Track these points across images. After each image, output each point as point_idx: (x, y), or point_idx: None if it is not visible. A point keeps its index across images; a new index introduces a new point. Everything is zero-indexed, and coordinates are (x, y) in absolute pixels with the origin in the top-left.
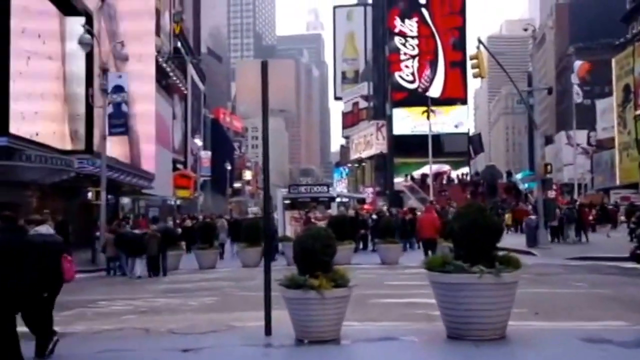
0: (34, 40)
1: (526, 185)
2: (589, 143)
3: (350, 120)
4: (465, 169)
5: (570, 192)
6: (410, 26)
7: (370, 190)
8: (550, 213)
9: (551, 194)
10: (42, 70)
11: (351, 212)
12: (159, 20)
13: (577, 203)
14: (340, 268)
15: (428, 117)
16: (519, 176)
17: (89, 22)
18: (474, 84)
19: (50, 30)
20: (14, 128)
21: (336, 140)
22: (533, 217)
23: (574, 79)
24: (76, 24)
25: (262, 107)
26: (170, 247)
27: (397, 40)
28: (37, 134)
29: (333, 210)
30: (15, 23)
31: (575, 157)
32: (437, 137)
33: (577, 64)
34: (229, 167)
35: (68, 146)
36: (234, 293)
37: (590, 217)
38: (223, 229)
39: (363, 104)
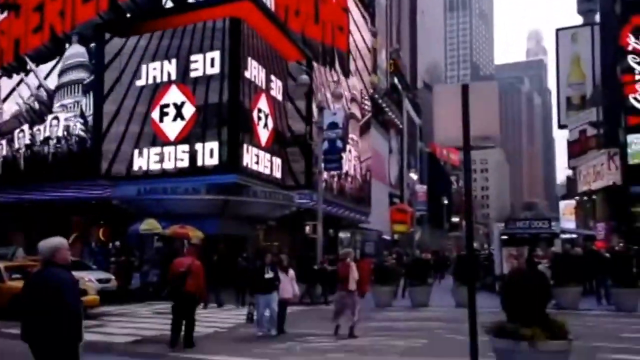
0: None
1: None
2: None
3: (577, 149)
4: None
5: None
6: None
7: (602, 225)
8: None
9: None
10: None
11: (577, 250)
12: (375, 58)
13: None
14: (560, 316)
15: None
16: None
17: (309, 64)
18: None
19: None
20: (243, 164)
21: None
22: None
23: None
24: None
25: (462, 136)
26: (384, 282)
27: (631, 59)
28: (261, 170)
29: (557, 248)
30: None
31: None
32: None
33: None
34: (445, 202)
35: (289, 182)
36: (443, 335)
37: None
38: None
39: (591, 131)
